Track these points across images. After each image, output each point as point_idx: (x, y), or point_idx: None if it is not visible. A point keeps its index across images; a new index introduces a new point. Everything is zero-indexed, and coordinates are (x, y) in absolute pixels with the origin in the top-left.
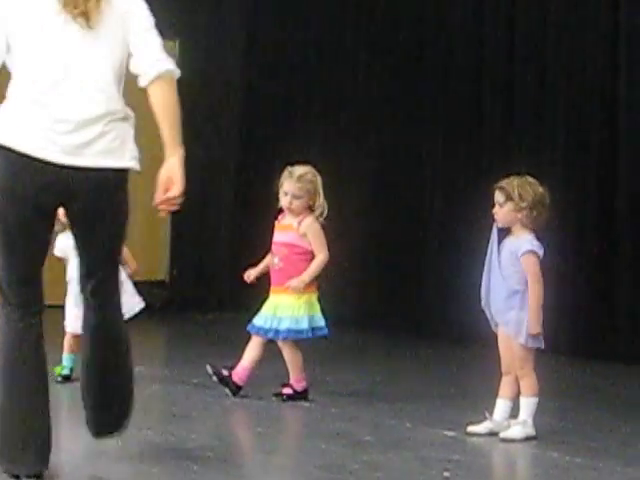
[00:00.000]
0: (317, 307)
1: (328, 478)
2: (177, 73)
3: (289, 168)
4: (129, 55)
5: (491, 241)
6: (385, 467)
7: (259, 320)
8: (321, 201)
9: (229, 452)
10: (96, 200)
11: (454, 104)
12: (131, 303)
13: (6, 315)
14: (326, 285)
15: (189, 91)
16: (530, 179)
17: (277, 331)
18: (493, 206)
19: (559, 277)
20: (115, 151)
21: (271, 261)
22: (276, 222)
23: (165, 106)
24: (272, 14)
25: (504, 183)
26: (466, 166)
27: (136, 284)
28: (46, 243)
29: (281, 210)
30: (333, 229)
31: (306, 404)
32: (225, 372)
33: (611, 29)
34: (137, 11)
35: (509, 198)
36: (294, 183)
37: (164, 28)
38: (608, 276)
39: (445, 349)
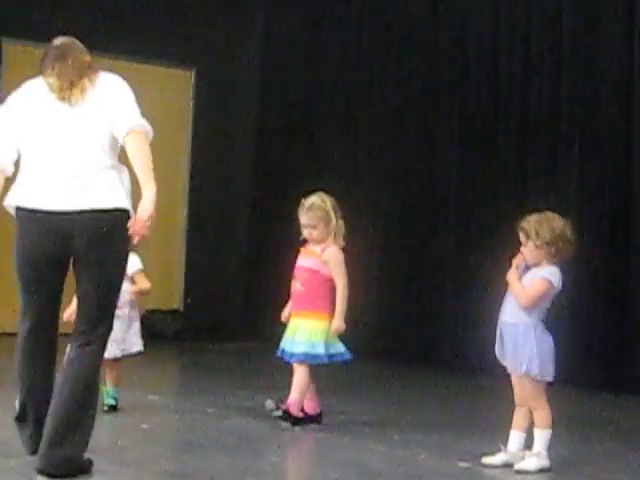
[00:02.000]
0: (333, 335)
1: None
2: (148, 129)
3: (302, 200)
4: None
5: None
6: None
7: (282, 343)
8: (333, 224)
9: None
10: (94, 240)
11: (470, 137)
12: (131, 342)
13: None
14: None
15: (204, 121)
16: (549, 214)
17: (292, 354)
18: (518, 243)
19: (573, 310)
20: (105, 194)
21: (293, 286)
22: (302, 249)
23: (136, 154)
24: (287, 44)
25: (524, 222)
26: (482, 195)
27: (152, 312)
28: (58, 288)
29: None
30: (348, 259)
31: (321, 434)
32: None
33: (626, 62)
34: (117, 91)
35: (528, 237)
36: (305, 214)
37: (180, 57)
38: (621, 308)
39: (459, 380)
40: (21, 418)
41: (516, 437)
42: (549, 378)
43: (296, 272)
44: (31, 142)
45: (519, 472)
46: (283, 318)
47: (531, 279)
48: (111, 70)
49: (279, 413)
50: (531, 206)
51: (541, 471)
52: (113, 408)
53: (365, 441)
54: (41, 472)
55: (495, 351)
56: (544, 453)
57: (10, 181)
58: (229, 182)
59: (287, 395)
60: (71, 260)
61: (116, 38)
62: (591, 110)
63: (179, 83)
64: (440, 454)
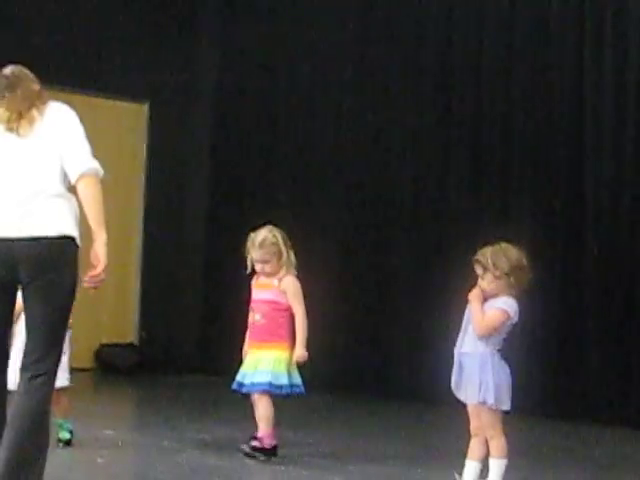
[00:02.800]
0: (294, 365)
1: None
2: (99, 171)
3: (251, 235)
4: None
5: (467, 308)
6: None
7: (239, 376)
8: (285, 258)
9: None
10: (38, 267)
11: (421, 163)
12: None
13: None
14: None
15: (159, 154)
16: (504, 245)
17: (253, 384)
18: (477, 278)
19: (528, 340)
20: (50, 222)
21: (252, 317)
22: (254, 280)
23: (88, 200)
24: (241, 76)
25: (479, 255)
26: (434, 227)
27: (107, 346)
28: (5, 317)
29: (254, 271)
30: (303, 291)
31: (279, 467)
32: (255, 443)
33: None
34: (66, 123)
35: (486, 269)
36: (257, 250)
37: (135, 90)
38: (577, 338)
39: (414, 410)
40: None
41: (471, 467)
42: (505, 407)
43: (253, 305)
44: None
45: None
46: (245, 355)
47: (488, 310)
48: (65, 102)
49: (248, 450)
50: (485, 228)
51: None
52: (68, 442)
53: (322, 473)
54: None
55: (451, 382)
56: None
57: None
58: (184, 215)
59: (255, 430)
60: (19, 288)
61: (70, 70)
62: (543, 134)
63: (133, 116)
64: None
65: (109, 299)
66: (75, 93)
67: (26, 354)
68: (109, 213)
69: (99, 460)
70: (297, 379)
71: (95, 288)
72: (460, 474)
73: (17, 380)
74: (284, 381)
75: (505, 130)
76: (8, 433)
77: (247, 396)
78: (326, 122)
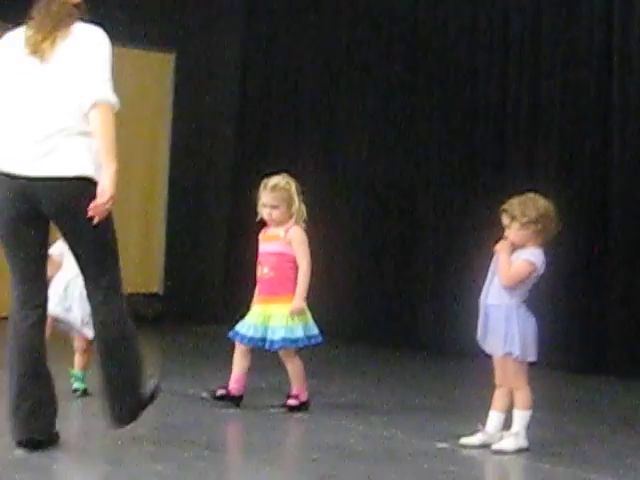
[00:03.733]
0: (309, 315)
1: None
2: (114, 102)
3: (264, 180)
4: None
5: (493, 260)
6: (378, 477)
7: (248, 330)
8: (297, 206)
9: (222, 463)
10: (59, 207)
11: (449, 118)
12: None
13: (13, 305)
14: (320, 296)
15: (185, 104)
16: (531, 195)
17: (272, 342)
18: (504, 230)
19: (553, 292)
20: (69, 162)
21: (260, 271)
22: (261, 234)
23: (99, 130)
24: (269, 25)
25: (506, 205)
26: (462, 179)
27: (132, 295)
28: (37, 246)
29: (264, 223)
30: (328, 242)
31: (301, 415)
32: (221, 391)
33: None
34: (89, 46)
35: (513, 218)
36: (269, 194)
37: (161, 40)
38: (601, 291)
39: (438, 362)
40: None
41: (495, 417)
42: (531, 359)
43: (261, 258)
44: (4, 101)
45: (496, 452)
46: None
47: (514, 261)
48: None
49: (293, 403)
50: (511, 186)
51: (519, 451)
52: (85, 392)
53: (345, 422)
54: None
55: (477, 334)
56: (523, 433)
57: None
58: (210, 166)
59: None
60: (50, 221)
61: (96, 21)
62: (570, 91)
63: (159, 66)
64: (418, 435)
65: (134, 249)
66: None
67: (83, 279)
68: (134, 162)
69: None
70: (314, 329)
71: (102, 218)
72: (484, 425)
73: None
74: (299, 334)
75: (532, 81)
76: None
77: (233, 346)
78: (352, 76)
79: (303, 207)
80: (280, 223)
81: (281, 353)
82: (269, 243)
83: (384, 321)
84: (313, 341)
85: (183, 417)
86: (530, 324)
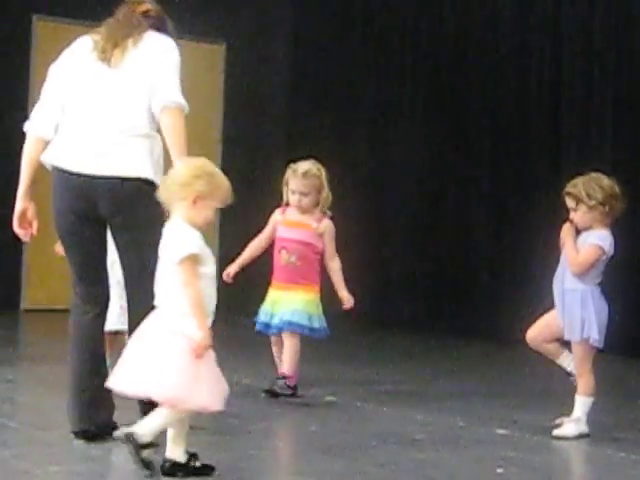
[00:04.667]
0: (320, 308)
1: (383, 476)
2: (183, 105)
3: (292, 166)
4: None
5: (562, 242)
6: (439, 465)
7: (263, 316)
8: (325, 194)
9: (280, 451)
10: (115, 207)
11: (501, 108)
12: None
13: (73, 300)
14: (372, 285)
15: (236, 95)
16: (594, 175)
17: (290, 323)
18: (567, 212)
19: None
20: (129, 163)
21: (285, 258)
22: (279, 216)
23: (169, 131)
24: (319, 16)
25: (570, 187)
26: (515, 166)
27: None
28: (96, 246)
29: (278, 205)
30: (380, 229)
31: (356, 403)
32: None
33: None
34: (160, 55)
35: (579, 201)
36: (300, 180)
37: (211, 31)
38: None
39: (493, 349)
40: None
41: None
42: (601, 345)
43: (285, 244)
44: (70, 103)
45: (558, 438)
46: (225, 276)
47: (582, 245)
48: None
49: (279, 391)
50: (566, 171)
51: (579, 437)
52: None
53: (403, 409)
54: None
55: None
56: (584, 419)
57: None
58: (261, 156)
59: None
60: (106, 221)
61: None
62: (623, 72)
63: (210, 57)
64: (478, 421)
65: None
66: None
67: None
68: (186, 154)
69: None
70: (322, 322)
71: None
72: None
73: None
74: (316, 324)
75: (585, 65)
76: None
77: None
78: (404, 64)
79: (330, 195)
80: (307, 210)
81: (287, 335)
82: (296, 230)
83: (439, 308)
84: (317, 334)
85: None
86: (604, 309)
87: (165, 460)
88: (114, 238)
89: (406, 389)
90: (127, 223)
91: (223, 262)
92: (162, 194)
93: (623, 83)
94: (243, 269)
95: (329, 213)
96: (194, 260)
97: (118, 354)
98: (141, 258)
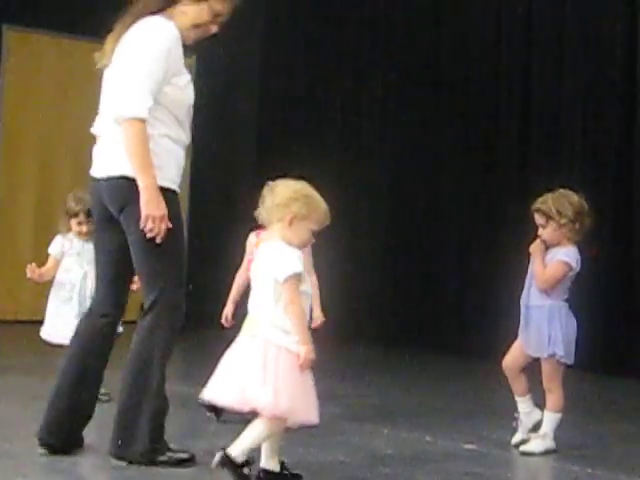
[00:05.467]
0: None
1: None
2: (132, 116)
3: (271, 184)
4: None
5: (531, 261)
6: None
7: None
8: None
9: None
10: (112, 207)
11: (472, 121)
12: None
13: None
14: (342, 299)
15: (205, 105)
16: (563, 191)
17: None
18: (536, 228)
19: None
20: (111, 161)
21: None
22: (254, 239)
23: (125, 150)
24: (287, 30)
25: (540, 204)
26: (485, 181)
27: None
28: (114, 250)
29: (252, 228)
30: (351, 244)
31: (326, 419)
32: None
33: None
34: (132, 48)
35: (549, 218)
36: None
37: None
38: (626, 295)
39: (463, 364)
40: None
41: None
42: (570, 361)
43: None
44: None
45: (524, 454)
46: (226, 322)
47: (549, 261)
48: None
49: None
50: (535, 187)
51: (546, 453)
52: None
53: (371, 424)
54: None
55: (520, 336)
56: (551, 435)
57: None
58: (230, 169)
59: None
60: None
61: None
62: (592, 88)
63: None
64: (445, 436)
65: None
66: None
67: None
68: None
69: None
70: None
71: (157, 236)
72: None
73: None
74: None
75: (554, 82)
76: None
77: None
78: (373, 79)
79: None
80: None
81: None
82: None
83: (407, 323)
84: None
85: (203, 420)
86: (572, 326)
87: (261, 470)
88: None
89: (374, 404)
90: (124, 222)
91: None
92: (262, 214)
93: (593, 100)
94: (237, 306)
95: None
96: (298, 279)
97: None
98: (141, 258)
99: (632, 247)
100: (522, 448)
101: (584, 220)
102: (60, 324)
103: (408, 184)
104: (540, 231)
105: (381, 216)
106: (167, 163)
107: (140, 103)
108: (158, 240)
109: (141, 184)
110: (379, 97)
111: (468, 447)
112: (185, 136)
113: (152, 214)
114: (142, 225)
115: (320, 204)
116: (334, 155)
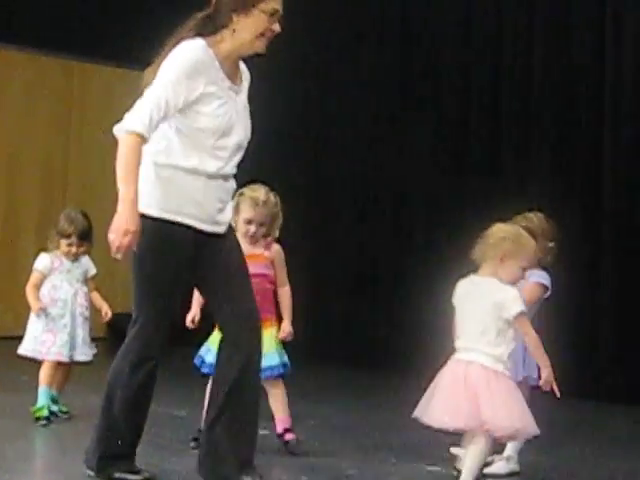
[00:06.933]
0: (279, 341)
1: None
2: (125, 127)
3: (247, 193)
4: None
5: None
6: None
7: (203, 351)
8: (280, 221)
9: None
10: None
11: (440, 131)
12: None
13: None
14: (309, 319)
15: None
16: (529, 215)
17: (263, 369)
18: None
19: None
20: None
21: None
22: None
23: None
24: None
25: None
26: (451, 197)
27: (120, 315)
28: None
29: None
30: (319, 264)
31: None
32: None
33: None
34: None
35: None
36: (260, 209)
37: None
38: (593, 318)
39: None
40: None
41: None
42: (534, 382)
43: None
44: None
45: (487, 476)
46: (190, 323)
47: (524, 285)
48: (85, 74)
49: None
50: (503, 208)
51: (510, 475)
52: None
53: (335, 444)
54: None
55: None
56: (515, 457)
57: None
58: None
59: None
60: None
61: (85, 41)
62: (563, 106)
63: None
64: (409, 458)
65: (124, 268)
66: (94, 63)
67: None
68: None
69: None
70: (285, 356)
71: (118, 251)
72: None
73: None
74: (275, 361)
75: (524, 96)
76: None
77: (206, 376)
78: (341, 88)
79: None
80: (256, 241)
81: (267, 383)
82: (252, 264)
83: (369, 343)
84: (284, 370)
85: (175, 438)
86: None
87: None
88: None
89: (339, 424)
90: None
91: None
92: (476, 252)
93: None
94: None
95: (275, 236)
96: (525, 315)
97: (58, 384)
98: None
99: (597, 275)
100: (486, 470)
101: (547, 244)
102: (50, 341)
103: (369, 206)
104: None
105: (342, 234)
106: (162, 191)
107: (141, 120)
108: (119, 256)
109: (119, 195)
110: (348, 110)
111: (430, 469)
112: (213, 165)
113: (117, 226)
114: (108, 236)
115: (528, 242)
116: (301, 168)
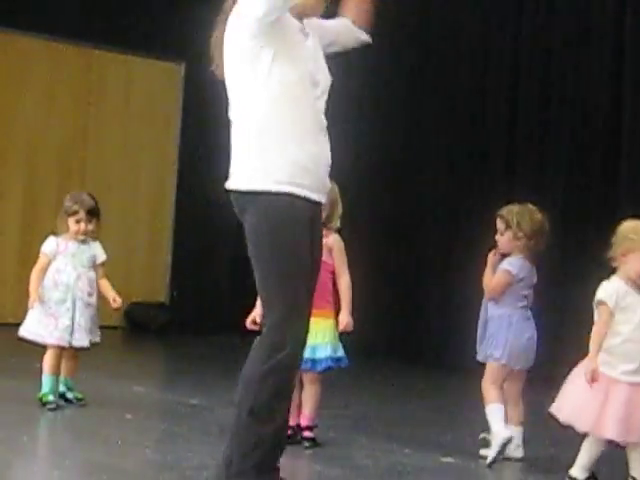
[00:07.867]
0: (336, 334)
1: None
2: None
3: None
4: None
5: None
6: None
7: None
8: (340, 208)
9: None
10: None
11: (457, 128)
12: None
13: None
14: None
15: (193, 112)
16: (531, 207)
17: (315, 361)
18: (495, 233)
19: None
20: (234, 172)
21: None
22: None
23: None
24: None
25: (504, 211)
26: (468, 192)
27: (138, 305)
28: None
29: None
30: None
31: None
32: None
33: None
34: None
35: (508, 226)
36: None
37: (170, 50)
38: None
39: (442, 377)
40: None
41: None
42: (518, 366)
43: None
44: None
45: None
46: (250, 325)
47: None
48: (104, 63)
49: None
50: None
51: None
52: (80, 400)
53: (350, 435)
54: None
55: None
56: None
57: None
58: (218, 176)
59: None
60: None
61: (104, 29)
62: (581, 107)
63: (169, 76)
64: (424, 449)
65: (141, 258)
66: (113, 51)
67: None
68: (142, 171)
69: (128, 416)
70: (341, 351)
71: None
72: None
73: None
74: (341, 353)
75: (543, 96)
76: None
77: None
78: (350, 88)
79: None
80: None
81: (314, 376)
82: None
83: (387, 335)
84: (344, 363)
85: (186, 426)
86: (527, 331)
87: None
88: None
89: (353, 414)
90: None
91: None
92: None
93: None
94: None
95: (337, 226)
96: (604, 304)
97: (69, 370)
98: (260, 286)
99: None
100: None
101: (540, 240)
102: (52, 324)
103: (391, 203)
104: (497, 237)
105: (362, 233)
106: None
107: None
108: None
109: None
110: (355, 112)
111: (446, 460)
112: (308, 118)
113: None
114: None
115: None
116: None
